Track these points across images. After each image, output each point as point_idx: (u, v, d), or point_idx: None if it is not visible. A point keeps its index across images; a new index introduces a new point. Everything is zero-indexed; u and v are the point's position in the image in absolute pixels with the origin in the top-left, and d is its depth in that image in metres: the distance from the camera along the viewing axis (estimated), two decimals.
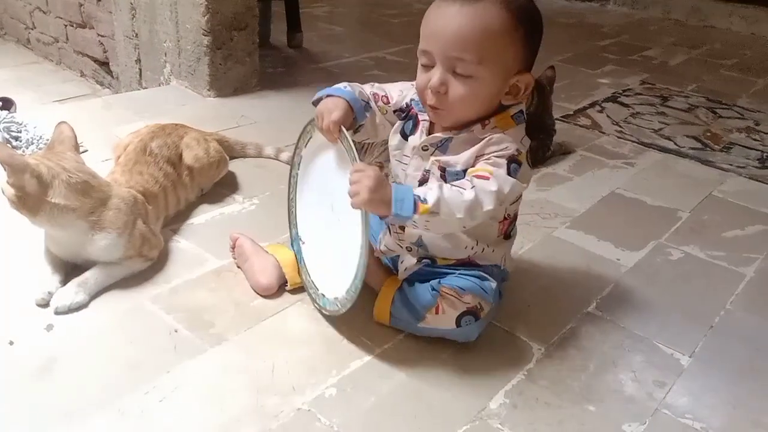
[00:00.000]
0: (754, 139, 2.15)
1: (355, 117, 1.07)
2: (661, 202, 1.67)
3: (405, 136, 1.09)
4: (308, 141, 1.15)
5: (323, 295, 1.11)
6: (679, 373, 1.08)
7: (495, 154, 0.99)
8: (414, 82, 1.07)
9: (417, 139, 1.07)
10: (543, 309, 1.21)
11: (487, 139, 1.00)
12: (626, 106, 2.38)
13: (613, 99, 2.44)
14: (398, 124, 1.11)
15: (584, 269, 1.35)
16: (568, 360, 1.09)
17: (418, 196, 0.94)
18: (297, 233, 1.20)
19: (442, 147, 1.04)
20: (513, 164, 0.99)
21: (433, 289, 1.07)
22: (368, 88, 1.12)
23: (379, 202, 0.93)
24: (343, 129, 1.03)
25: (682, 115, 2.33)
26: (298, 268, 1.18)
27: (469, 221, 0.97)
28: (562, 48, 3.07)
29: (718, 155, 2.00)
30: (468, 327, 1.05)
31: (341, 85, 1.08)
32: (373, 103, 1.11)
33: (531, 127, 1.76)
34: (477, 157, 1.01)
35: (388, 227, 1.14)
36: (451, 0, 0.95)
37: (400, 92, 1.12)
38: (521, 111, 1.04)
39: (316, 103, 1.09)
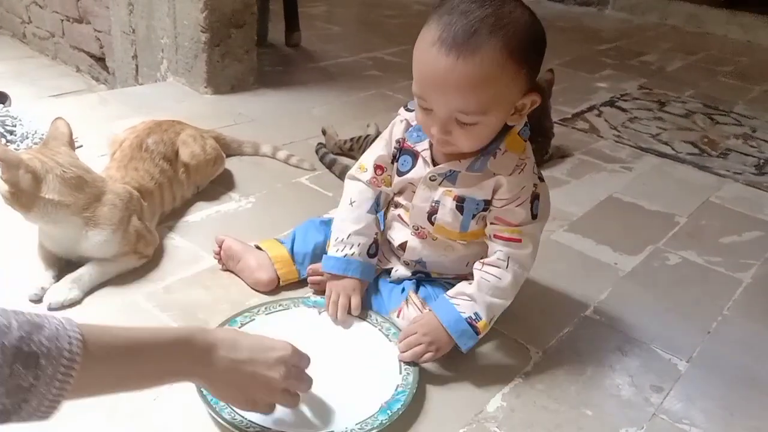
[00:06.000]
0: (751, 146, 2.16)
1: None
2: (658, 206, 1.67)
3: (403, 174, 1.07)
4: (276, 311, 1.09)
5: None
6: (677, 378, 1.08)
7: (515, 203, 0.98)
8: (401, 117, 1.06)
9: (421, 170, 1.04)
10: (540, 312, 1.21)
11: (498, 178, 0.98)
12: (624, 110, 2.39)
13: (611, 103, 2.45)
14: (393, 169, 1.09)
15: (582, 273, 1.35)
16: (566, 364, 1.08)
17: (470, 317, 0.98)
18: None
19: (450, 177, 1.01)
20: (535, 201, 0.99)
21: (404, 291, 1.08)
22: (370, 170, 1.09)
23: (447, 348, 1.00)
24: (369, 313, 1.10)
25: (679, 120, 2.33)
26: None
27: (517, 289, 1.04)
28: (561, 52, 3.07)
29: (715, 161, 2.00)
30: None
31: (351, 253, 1.08)
32: (381, 195, 1.11)
33: (529, 129, 1.78)
34: (493, 197, 1.00)
35: (388, 241, 1.14)
36: (444, 48, 0.85)
37: (386, 144, 1.08)
38: (525, 123, 1.00)
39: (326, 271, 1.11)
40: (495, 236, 1.01)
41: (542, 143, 1.82)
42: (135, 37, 2.27)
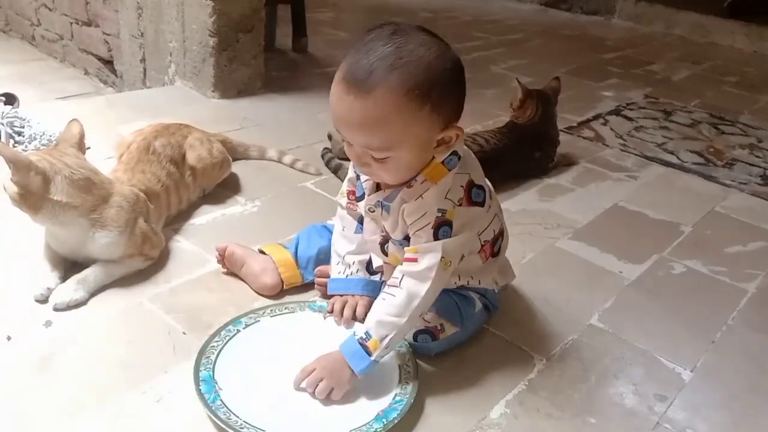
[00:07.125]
0: (757, 156, 2.16)
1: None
2: (663, 215, 1.66)
3: (360, 200, 1.06)
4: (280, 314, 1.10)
5: None
6: (681, 388, 1.08)
7: (417, 228, 0.95)
8: None
9: (365, 202, 1.03)
10: (545, 320, 1.21)
11: (403, 206, 0.96)
12: (630, 119, 2.39)
13: (616, 112, 2.45)
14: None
15: (586, 281, 1.35)
16: (570, 371, 1.08)
17: (361, 337, 0.95)
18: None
19: (386, 207, 0.99)
20: (442, 227, 0.94)
21: None
22: (345, 195, 1.10)
23: (345, 379, 0.94)
24: None
25: (685, 130, 2.33)
26: None
27: (418, 312, 0.96)
28: (566, 60, 3.07)
29: (720, 171, 2.00)
30: (425, 344, 1.04)
31: (350, 272, 1.10)
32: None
33: (535, 137, 1.78)
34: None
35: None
36: (346, 87, 0.86)
37: (352, 167, 1.07)
38: (454, 152, 0.95)
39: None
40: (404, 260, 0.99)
41: (547, 151, 1.83)
42: (143, 40, 2.28)
